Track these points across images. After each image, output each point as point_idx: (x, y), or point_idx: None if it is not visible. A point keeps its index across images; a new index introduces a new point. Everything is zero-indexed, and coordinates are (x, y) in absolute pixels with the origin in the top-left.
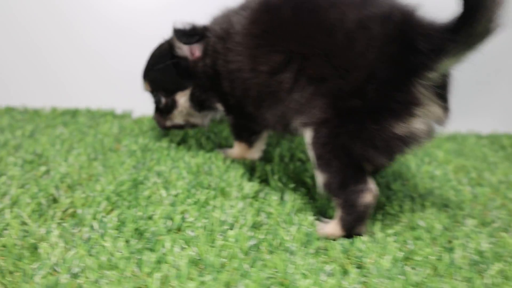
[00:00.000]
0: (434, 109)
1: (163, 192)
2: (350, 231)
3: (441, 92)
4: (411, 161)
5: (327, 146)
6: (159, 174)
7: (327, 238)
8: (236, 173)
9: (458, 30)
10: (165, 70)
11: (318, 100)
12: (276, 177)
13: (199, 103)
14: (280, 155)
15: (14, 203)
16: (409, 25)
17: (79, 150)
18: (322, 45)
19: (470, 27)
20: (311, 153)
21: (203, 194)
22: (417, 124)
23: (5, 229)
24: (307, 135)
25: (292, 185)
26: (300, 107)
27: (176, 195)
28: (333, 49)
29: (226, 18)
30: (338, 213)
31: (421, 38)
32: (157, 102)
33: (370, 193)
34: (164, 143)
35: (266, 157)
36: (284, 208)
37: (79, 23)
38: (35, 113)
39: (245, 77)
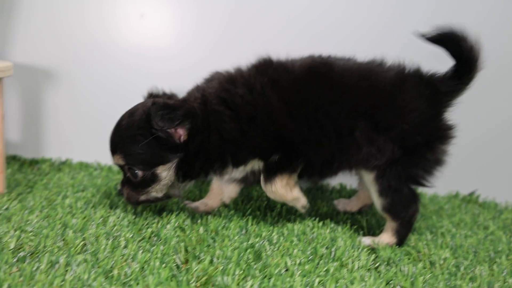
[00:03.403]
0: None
1: (287, 261)
2: (404, 240)
3: None
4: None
5: (395, 178)
6: (269, 240)
7: (377, 247)
8: (344, 242)
9: (462, 76)
10: (143, 144)
11: (389, 145)
12: (387, 248)
13: (186, 174)
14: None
15: (143, 268)
16: (422, 75)
17: (176, 212)
18: (383, 102)
19: (470, 74)
20: (374, 186)
21: (328, 264)
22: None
23: None
24: (372, 173)
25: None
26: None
27: (300, 264)
28: (390, 103)
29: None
30: (393, 226)
31: (440, 83)
32: (132, 177)
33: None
34: (252, 205)
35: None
36: (414, 283)
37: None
38: (109, 170)
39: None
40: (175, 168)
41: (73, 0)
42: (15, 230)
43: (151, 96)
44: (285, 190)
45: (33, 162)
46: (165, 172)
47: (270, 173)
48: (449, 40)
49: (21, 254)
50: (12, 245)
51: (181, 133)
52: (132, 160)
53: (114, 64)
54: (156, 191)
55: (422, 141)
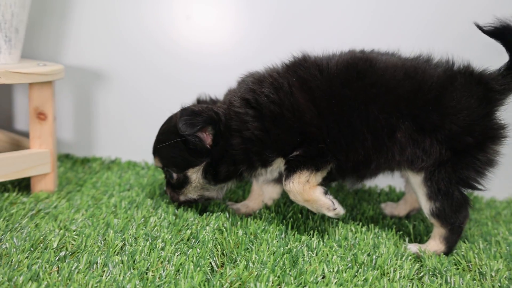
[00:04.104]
0: None
1: (324, 268)
2: (453, 248)
3: None
4: None
5: (444, 180)
6: (308, 246)
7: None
8: (388, 249)
9: None
10: (174, 147)
11: (436, 147)
12: (433, 257)
13: (215, 177)
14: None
15: (178, 271)
16: (473, 72)
17: (216, 213)
18: (430, 102)
19: None
20: (422, 190)
21: (367, 273)
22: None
23: None
24: (419, 175)
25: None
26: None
27: (338, 272)
28: (437, 102)
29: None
30: (441, 233)
31: (494, 81)
32: (169, 178)
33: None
34: (294, 208)
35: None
36: None
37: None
38: (156, 169)
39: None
40: (202, 171)
41: (121, 3)
42: (60, 229)
43: (199, 101)
44: (302, 187)
45: (85, 161)
46: (195, 175)
47: (290, 170)
48: (509, 34)
49: (63, 253)
50: (55, 244)
51: (209, 138)
52: (167, 162)
53: (162, 66)
54: (190, 193)
55: (473, 142)
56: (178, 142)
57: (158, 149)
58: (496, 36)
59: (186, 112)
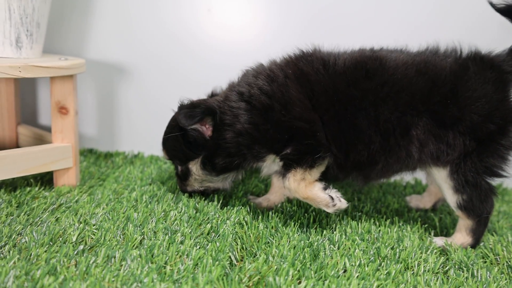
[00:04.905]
0: None
1: (346, 262)
2: (480, 240)
3: None
4: None
5: (471, 171)
6: (330, 239)
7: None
8: (412, 242)
9: None
10: (175, 141)
11: (459, 139)
12: (458, 251)
13: (214, 168)
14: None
15: (196, 265)
16: (483, 57)
17: (237, 207)
18: (446, 95)
19: None
20: (448, 183)
21: (390, 267)
22: None
23: None
24: (444, 169)
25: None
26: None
27: (360, 265)
28: (453, 94)
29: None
30: (467, 225)
31: (505, 63)
32: (176, 169)
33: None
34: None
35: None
36: None
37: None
38: None
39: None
40: (201, 163)
41: None
42: (80, 223)
43: (212, 95)
44: (298, 185)
45: (108, 155)
46: (194, 167)
47: (285, 168)
48: None
49: (81, 247)
50: (74, 238)
51: (209, 130)
52: (172, 155)
53: (184, 59)
54: (194, 184)
55: (495, 128)
56: (178, 136)
57: (164, 142)
58: (509, 14)
59: (185, 105)
